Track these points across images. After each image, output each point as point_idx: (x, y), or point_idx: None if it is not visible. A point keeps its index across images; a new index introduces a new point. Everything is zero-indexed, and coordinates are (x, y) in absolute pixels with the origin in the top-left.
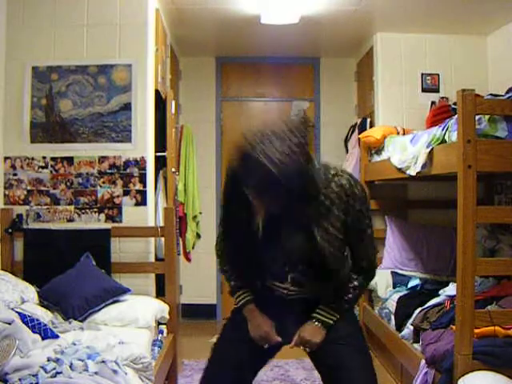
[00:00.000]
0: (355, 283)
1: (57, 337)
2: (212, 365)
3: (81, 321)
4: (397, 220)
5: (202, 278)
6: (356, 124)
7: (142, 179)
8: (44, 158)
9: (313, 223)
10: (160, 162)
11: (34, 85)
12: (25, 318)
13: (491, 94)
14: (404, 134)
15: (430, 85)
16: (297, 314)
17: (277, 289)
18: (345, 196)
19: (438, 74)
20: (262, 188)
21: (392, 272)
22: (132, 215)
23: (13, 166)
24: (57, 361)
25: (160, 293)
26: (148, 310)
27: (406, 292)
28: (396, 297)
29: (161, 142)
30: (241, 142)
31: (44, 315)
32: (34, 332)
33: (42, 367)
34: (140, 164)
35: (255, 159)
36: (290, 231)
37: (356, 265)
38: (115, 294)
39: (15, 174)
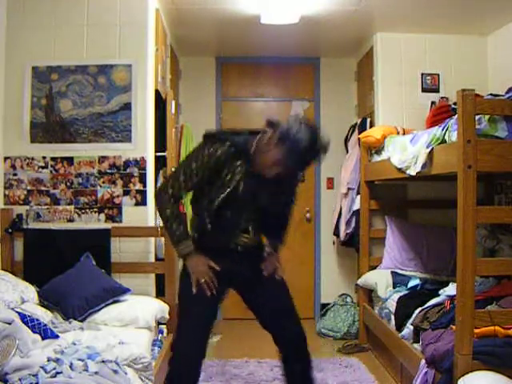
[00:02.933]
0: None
1: (57, 337)
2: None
3: (81, 321)
4: (397, 220)
5: None
6: (356, 124)
7: (142, 179)
8: (44, 157)
9: (292, 189)
10: (160, 162)
11: (34, 85)
12: (25, 318)
13: (491, 94)
14: (404, 133)
15: (430, 85)
16: (247, 259)
17: (235, 240)
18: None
19: (438, 74)
20: (294, 159)
21: (392, 272)
22: (132, 215)
23: (13, 166)
24: (57, 361)
25: (160, 293)
26: (148, 310)
27: (405, 292)
28: (396, 297)
29: (161, 142)
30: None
31: (44, 315)
32: (34, 332)
33: (42, 367)
34: (140, 164)
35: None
36: (268, 193)
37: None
38: (115, 294)
39: (15, 174)
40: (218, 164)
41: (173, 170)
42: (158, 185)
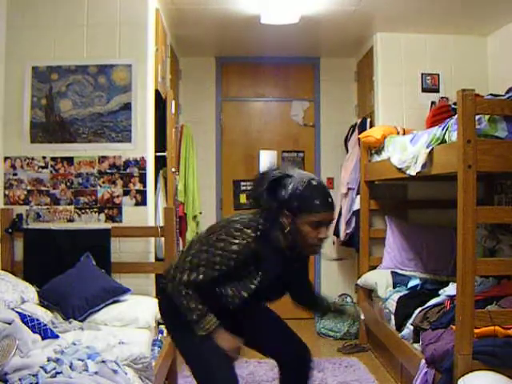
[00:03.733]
0: None
1: (57, 337)
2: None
3: (81, 321)
4: (397, 220)
5: None
6: (356, 124)
7: (142, 179)
8: (44, 157)
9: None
10: (160, 162)
11: (34, 85)
12: (25, 318)
13: (491, 94)
14: (404, 133)
15: (430, 85)
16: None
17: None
18: None
19: (438, 74)
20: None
21: (392, 272)
22: (132, 215)
23: (13, 166)
24: (57, 361)
25: None
26: (148, 310)
27: (405, 292)
28: (396, 297)
29: (161, 142)
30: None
31: (44, 315)
32: (34, 332)
33: (42, 367)
34: (140, 164)
35: None
36: (292, 268)
37: None
38: (115, 293)
39: (15, 174)
40: (245, 261)
41: (188, 257)
42: (172, 272)
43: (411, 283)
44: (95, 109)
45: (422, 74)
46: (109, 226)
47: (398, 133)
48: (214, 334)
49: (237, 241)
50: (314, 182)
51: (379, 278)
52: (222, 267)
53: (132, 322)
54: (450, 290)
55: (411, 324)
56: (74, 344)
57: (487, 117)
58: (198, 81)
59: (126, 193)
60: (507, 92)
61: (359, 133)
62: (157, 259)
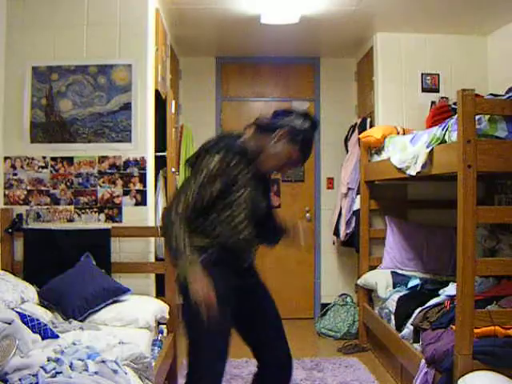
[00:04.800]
0: None
1: (57, 337)
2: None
3: (81, 321)
4: (397, 220)
5: None
6: (356, 124)
7: (142, 179)
8: (44, 157)
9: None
10: (160, 162)
11: (34, 85)
12: (25, 318)
13: (491, 94)
14: (404, 133)
15: (430, 85)
16: (248, 276)
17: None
18: None
19: (438, 74)
20: (309, 149)
21: (392, 272)
22: (132, 215)
23: (13, 166)
24: (57, 361)
25: (160, 293)
26: (148, 310)
27: (405, 292)
28: (396, 297)
29: (161, 142)
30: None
31: (44, 315)
32: (33, 332)
33: (42, 367)
34: (140, 164)
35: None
36: (264, 196)
37: None
38: (115, 293)
39: (15, 174)
40: (223, 175)
41: (177, 189)
42: (165, 206)
43: (411, 283)
44: (95, 109)
45: (422, 74)
46: (109, 226)
47: (398, 133)
48: (194, 271)
49: (210, 160)
50: None
51: (379, 278)
52: (206, 189)
53: (132, 322)
54: (450, 290)
55: (411, 324)
56: (74, 344)
57: (487, 117)
58: (198, 81)
59: (126, 193)
60: (507, 92)
61: (359, 133)
62: (157, 259)
